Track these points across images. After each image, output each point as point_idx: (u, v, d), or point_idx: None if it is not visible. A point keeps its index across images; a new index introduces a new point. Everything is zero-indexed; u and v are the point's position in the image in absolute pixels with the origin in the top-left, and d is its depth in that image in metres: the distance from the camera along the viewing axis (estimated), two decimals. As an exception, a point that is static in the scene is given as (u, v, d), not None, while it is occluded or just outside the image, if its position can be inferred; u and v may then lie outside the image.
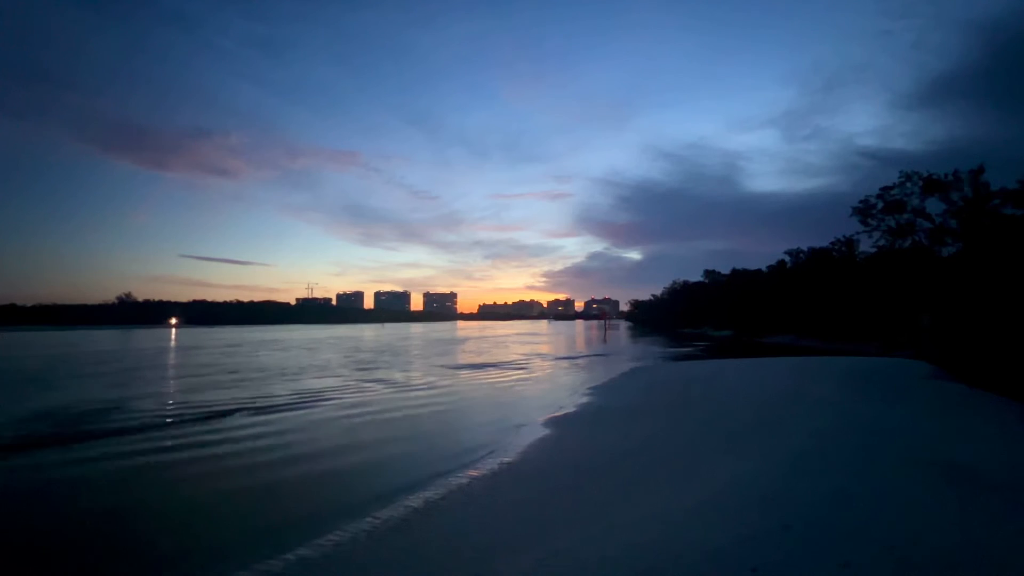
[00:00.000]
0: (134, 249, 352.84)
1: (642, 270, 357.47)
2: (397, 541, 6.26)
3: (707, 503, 6.37)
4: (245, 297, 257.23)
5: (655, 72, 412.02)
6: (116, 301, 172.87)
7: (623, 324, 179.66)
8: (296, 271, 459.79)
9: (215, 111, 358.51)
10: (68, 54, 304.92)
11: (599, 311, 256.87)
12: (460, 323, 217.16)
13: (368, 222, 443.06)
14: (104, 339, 65.71)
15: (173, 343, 56.92)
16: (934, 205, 38.79)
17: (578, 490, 7.83)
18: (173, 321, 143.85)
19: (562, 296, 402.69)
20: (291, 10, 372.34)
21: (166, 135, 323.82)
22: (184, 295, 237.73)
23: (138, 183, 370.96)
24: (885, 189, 41.09)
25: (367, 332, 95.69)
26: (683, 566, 4.62)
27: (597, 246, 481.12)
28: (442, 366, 30.34)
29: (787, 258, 70.37)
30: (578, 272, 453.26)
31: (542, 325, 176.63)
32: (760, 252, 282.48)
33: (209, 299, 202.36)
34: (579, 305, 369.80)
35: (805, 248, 66.67)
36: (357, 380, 23.22)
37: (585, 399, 17.36)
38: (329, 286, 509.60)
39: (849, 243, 54.55)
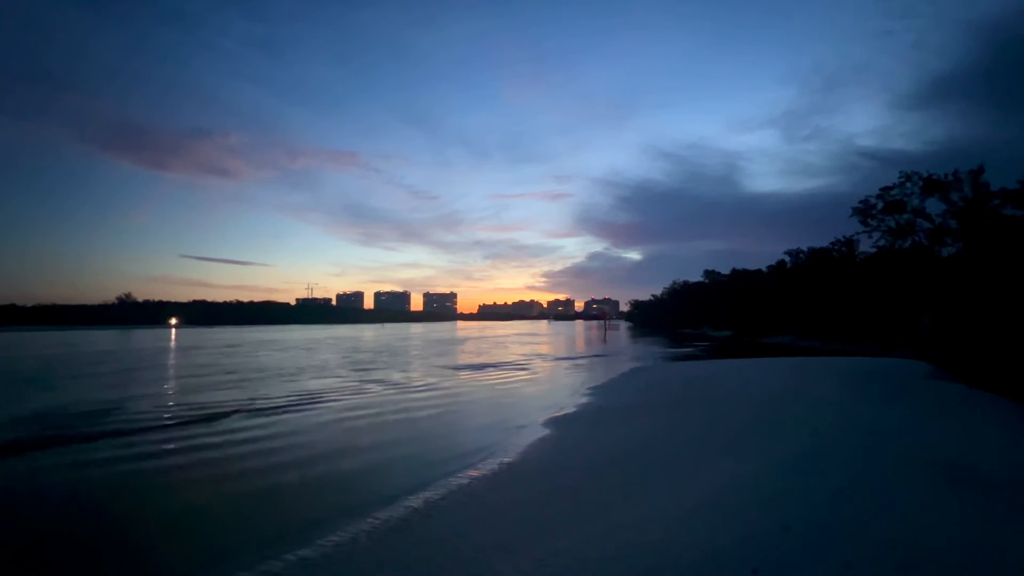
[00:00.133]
0: (134, 249, 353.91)
1: (642, 270, 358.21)
2: (397, 541, 6.25)
3: (707, 503, 6.36)
4: (245, 297, 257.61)
5: (655, 72, 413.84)
6: (116, 301, 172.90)
7: (623, 324, 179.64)
8: (296, 271, 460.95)
9: (215, 111, 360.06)
10: (68, 54, 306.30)
11: (599, 311, 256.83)
12: (460, 323, 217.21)
13: (368, 222, 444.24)
14: (103, 339, 65.67)
15: (172, 343, 56.89)
16: (934, 205, 38.88)
17: (578, 490, 7.82)
18: (173, 321, 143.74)
19: (562, 296, 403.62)
20: (291, 10, 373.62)
21: (166, 135, 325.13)
22: (184, 295, 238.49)
23: (138, 183, 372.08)
24: (885, 189, 41.15)
25: (367, 332, 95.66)
26: (683, 566, 4.61)
27: (597, 246, 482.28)
28: (442, 367, 30.32)
29: (787, 258, 70.48)
30: (578, 272, 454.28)
31: (542, 325, 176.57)
32: (760, 252, 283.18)
33: (209, 299, 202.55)
34: (579, 305, 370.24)
35: (805, 248, 66.89)
36: (356, 381, 23.20)
37: (585, 399, 17.35)
38: (329, 286, 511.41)
39: (849, 243, 54.59)
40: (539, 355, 40.09)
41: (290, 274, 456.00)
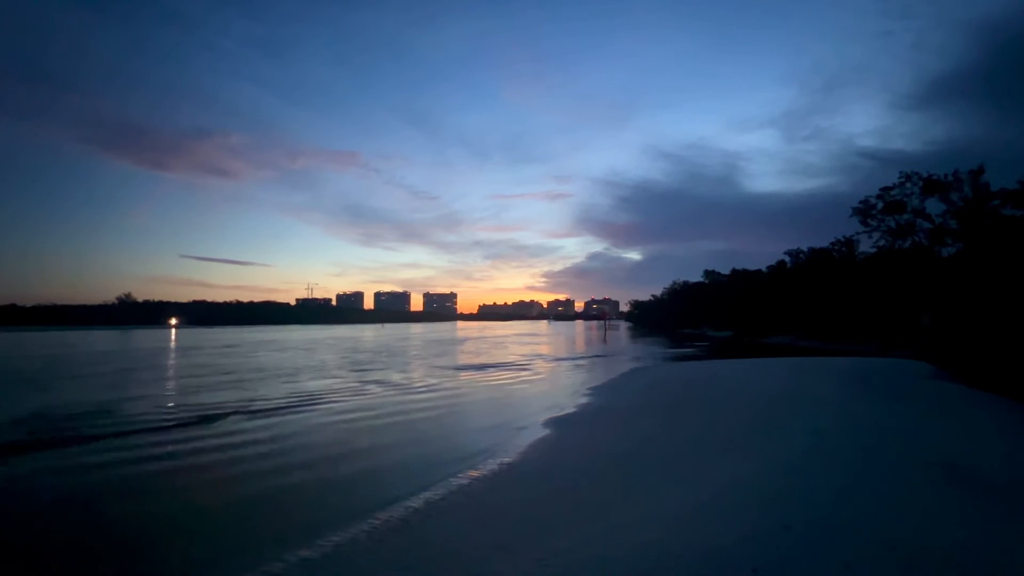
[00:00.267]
0: (134, 249, 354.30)
1: (642, 270, 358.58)
2: (397, 541, 6.24)
3: (707, 503, 6.36)
4: (245, 297, 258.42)
5: (655, 72, 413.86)
6: (116, 301, 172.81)
7: (623, 324, 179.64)
8: (296, 271, 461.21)
9: (215, 111, 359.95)
10: (68, 54, 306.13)
11: (599, 311, 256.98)
12: (460, 323, 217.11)
13: (368, 222, 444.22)
14: (103, 340, 65.64)
15: (172, 344, 56.85)
16: (934, 205, 38.92)
17: (578, 490, 7.81)
18: (173, 321, 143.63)
19: (562, 296, 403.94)
20: (291, 10, 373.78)
21: (166, 135, 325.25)
22: (184, 295, 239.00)
23: (138, 183, 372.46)
24: (885, 189, 41.19)
25: (367, 333, 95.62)
26: (683, 566, 4.61)
27: (597, 246, 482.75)
28: (441, 367, 30.31)
29: (787, 258, 70.51)
30: (578, 272, 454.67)
31: (542, 325, 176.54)
32: (760, 252, 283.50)
33: (209, 299, 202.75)
34: (579, 305, 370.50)
35: (805, 248, 66.89)
36: (356, 382, 23.19)
37: (585, 400, 17.34)
38: (329, 286, 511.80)
39: (849, 243, 54.61)
40: (539, 355, 40.09)
41: (290, 274, 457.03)
